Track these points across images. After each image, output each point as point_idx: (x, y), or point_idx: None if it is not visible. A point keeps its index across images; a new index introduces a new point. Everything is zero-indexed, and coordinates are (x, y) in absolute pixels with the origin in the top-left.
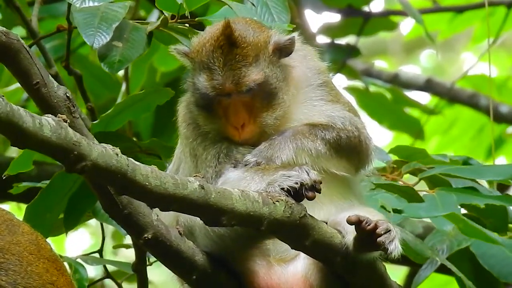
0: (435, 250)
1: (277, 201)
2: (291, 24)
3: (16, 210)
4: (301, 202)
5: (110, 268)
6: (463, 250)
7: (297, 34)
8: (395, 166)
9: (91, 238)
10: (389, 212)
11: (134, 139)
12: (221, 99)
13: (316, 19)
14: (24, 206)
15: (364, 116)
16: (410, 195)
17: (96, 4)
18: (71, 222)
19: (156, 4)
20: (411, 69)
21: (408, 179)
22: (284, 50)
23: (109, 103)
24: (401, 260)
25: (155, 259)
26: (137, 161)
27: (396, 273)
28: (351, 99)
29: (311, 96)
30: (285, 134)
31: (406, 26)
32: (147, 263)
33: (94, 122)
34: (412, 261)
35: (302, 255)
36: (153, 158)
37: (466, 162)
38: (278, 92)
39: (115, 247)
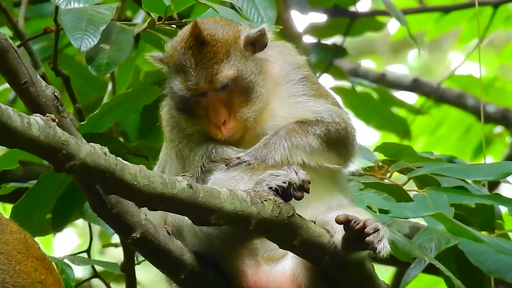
0: (424, 249)
1: (265, 200)
2: (277, 26)
3: (1, 210)
4: (289, 202)
5: (98, 268)
6: (449, 249)
7: (266, 25)
8: (383, 165)
9: (78, 238)
10: (375, 212)
11: (121, 139)
12: (199, 99)
13: (303, 19)
14: (9, 206)
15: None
16: (398, 194)
17: (81, 5)
18: (58, 222)
19: (143, 6)
20: (398, 69)
21: (396, 178)
22: (257, 43)
23: (96, 103)
24: (389, 260)
25: (143, 258)
26: None
27: (383, 273)
28: (338, 99)
29: (293, 92)
30: (279, 133)
31: (394, 25)
32: (135, 262)
33: (82, 123)
34: (399, 261)
35: (290, 254)
36: (140, 159)
37: (450, 160)
38: (255, 86)
39: (104, 246)
